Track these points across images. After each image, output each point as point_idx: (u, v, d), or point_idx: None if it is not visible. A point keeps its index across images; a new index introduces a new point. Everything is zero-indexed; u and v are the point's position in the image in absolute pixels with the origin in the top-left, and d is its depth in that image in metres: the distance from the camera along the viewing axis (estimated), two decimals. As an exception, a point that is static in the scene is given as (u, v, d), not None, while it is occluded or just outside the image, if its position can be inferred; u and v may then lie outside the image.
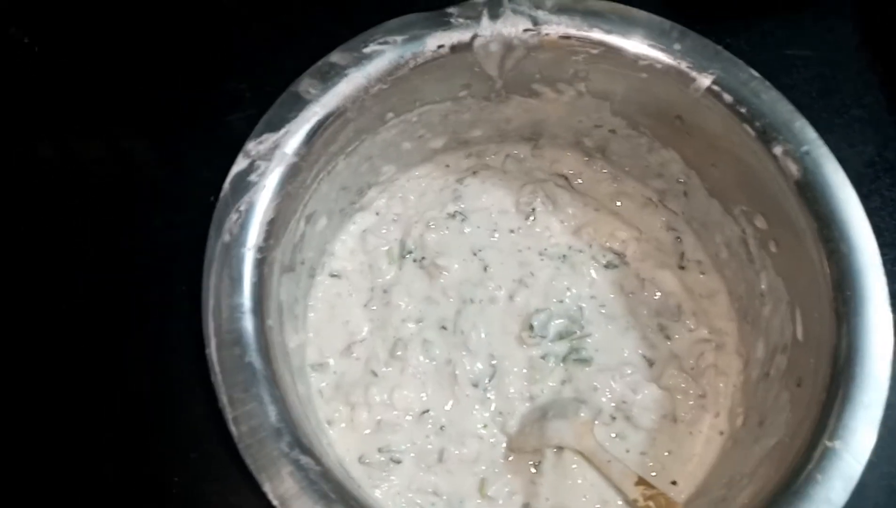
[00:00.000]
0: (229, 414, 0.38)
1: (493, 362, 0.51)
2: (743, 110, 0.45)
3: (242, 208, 0.42)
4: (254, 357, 0.40)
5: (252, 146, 0.44)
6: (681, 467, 0.48)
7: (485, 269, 0.54)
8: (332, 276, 0.53)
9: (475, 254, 0.54)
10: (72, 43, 0.59)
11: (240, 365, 0.39)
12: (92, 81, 0.58)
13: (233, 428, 0.38)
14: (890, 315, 0.40)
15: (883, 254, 0.51)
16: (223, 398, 0.39)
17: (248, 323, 0.40)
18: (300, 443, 0.38)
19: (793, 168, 0.43)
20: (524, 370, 0.51)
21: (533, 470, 0.48)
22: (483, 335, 0.51)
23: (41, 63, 0.58)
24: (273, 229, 0.43)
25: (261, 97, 0.47)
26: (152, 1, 0.61)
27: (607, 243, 0.54)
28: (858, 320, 0.40)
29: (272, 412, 0.39)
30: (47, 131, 0.58)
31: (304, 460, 0.38)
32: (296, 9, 0.61)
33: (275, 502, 0.36)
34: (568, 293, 0.53)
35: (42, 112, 0.58)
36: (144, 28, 0.60)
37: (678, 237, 0.55)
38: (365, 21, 0.48)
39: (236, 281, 0.41)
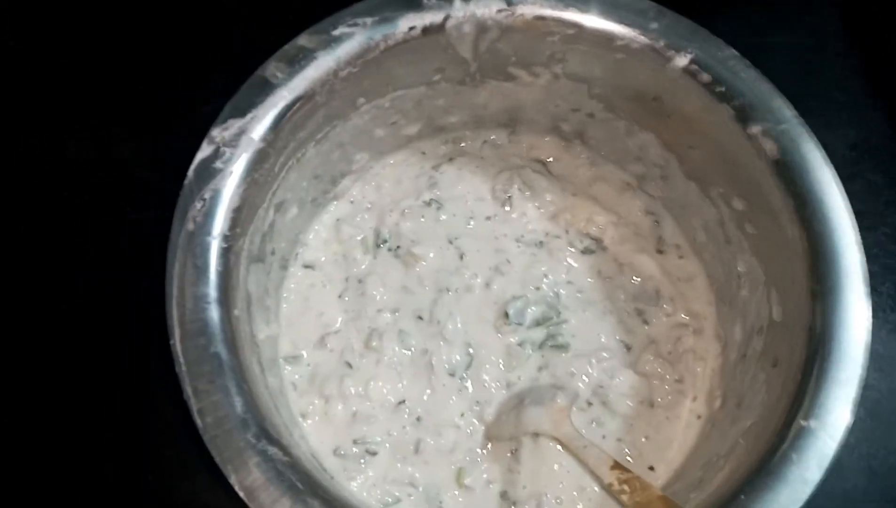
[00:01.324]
0: (194, 406, 0.37)
1: (470, 350, 0.50)
2: (721, 89, 0.44)
3: (207, 195, 0.41)
4: (219, 348, 0.39)
5: (217, 132, 0.43)
6: (658, 452, 0.47)
7: (461, 257, 0.53)
8: (306, 267, 0.52)
9: (451, 242, 0.53)
10: (56, 44, 0.59)
11: (205, 356, 0.38)
12: (76, 78, 0.57)
13: (198, 420, 0.37)
14: (866, 293, 0.40)
15: (864, 237, 0.51)
16: (188, 390, 0.38)
17: (214, 313, 0.39)
18: (267, 434, 0.37)
19: (770, 147, 0.43)
20: (501, 358, 0.50)
21: (510, 458, 0.48)
22: (459, 324, 0.50)
23: (25, 61, 0.57)
24: (239, 217, 0.42)
25: (236, 88, 0.47)
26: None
27: (584, 229, 0.53)
28: (834, 298, 0.40)
29: (238, 403, 0.38)
30: (35, 129, 0.57)
31: (272, 450, 0.37)
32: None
33: (241, 493, 0.36)
34: (545, 280, 0.52)
35: (29, 110, 0.57)
36: (123, 23, 0.59)
37: (656, 221, 0.54)
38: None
39: (201, 270, 0.40)
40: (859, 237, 0.41)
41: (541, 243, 0.53)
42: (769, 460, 0.37)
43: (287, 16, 0.58)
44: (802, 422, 0.38)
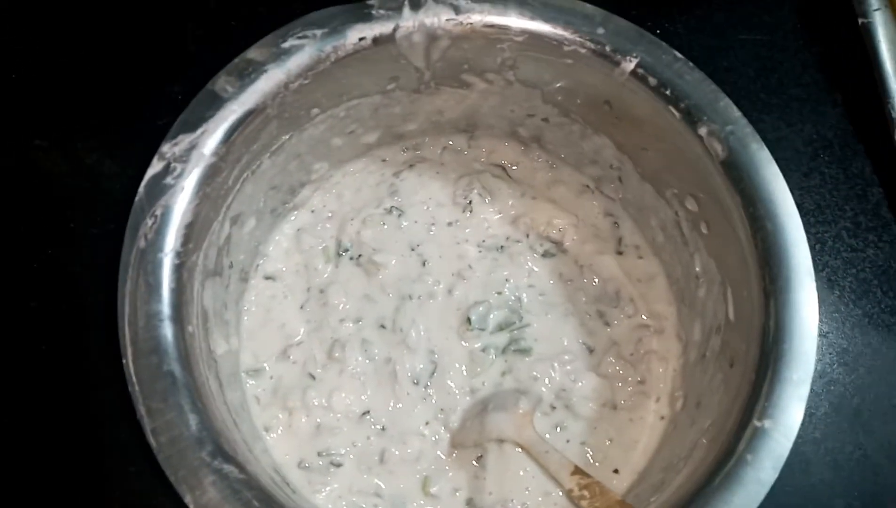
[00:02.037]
0: (148, 425, 0.37)
1: (434, 358, 0.50)
2: (667, 92, 0.45)
3: (158, 212, 0.41)
4: (173, 366, 0.39)
5: (167, 148, 0.43)
6: (623, 454, 0.48)
7: (423, 264, 0.53)
8: (267, 278, 0.52)
9: (413, 249, 0.53)
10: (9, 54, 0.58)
11: (158, 374, 0.38)
12: (31, 90, 0.56)
13: (151, 440, 0.37)
14: (814, 290, 0.40)
15: (824, 232, 0.51)
16: (141, 409, 0.38)
17: (167, 331, 0.39)
18: (223, 451, 0.37)
19: (718, 148, 0.43)
20: (464, 364, 0.50)
21: (476, 465, 0.48)
22: (422, 332, 0.51)
23: None
24: (192, 232, 0.42)
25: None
26: (88, 8, 0.59)
27: (545, 232, 0.54)
28: (785, 297, 0.40)
29: (193, 421, 0.38)
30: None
31: (227, 468, 0.37)
32: (232, 8, 0.60)
33: (196, 513, 0.35)
34: (507, 284, 0.52)
35: None
36: (74, 28, 0.58)
37: (615, 223, 0.54)
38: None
39: (153, 288, 0.40)
40: (804, 236, 0.42)
41: (502, 247, 0.54)
42: (725, 462, 0.38)
43: (246, 26, 0.59)
44: (757, 423, 0.38)
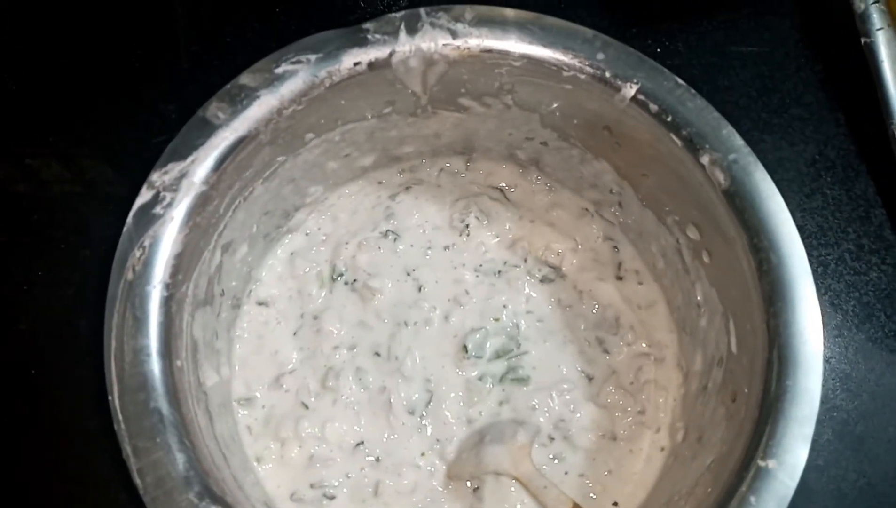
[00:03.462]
0: (134, 465, 0.36)
1: (430, 387, 0.49)
2: (669, 119, 0.44)
3: (146, 243, 0.40)
4: (160, 403, 0.38)
5: (157, 177, 0.42)
6: (622, 486, 0.47)
7: (419, 289, 0.52)
8: (259, 304, 0.51)
9: (409, 274, 0.52)
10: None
11: (145, 412, 0.37)
12: (28, 98, 0.55)
13: (137, 480, 0.36)
14: (820, 327, 0.40)
15: (826, 254, 0.51)
16: (127, 448, 0.37)
17: (155, 366, 0.38)
18: (210, 492, 0.36)
19: (720, 177, 0.42)
20: (461, 393, 0.49)
21: (473, 497, 0.47)
22: (418, 360, 0.50)
23: None
24: (181, 263, 0.41)
25: (187, 120, 0.45)
26: (86, 24, 0.58)
27: (543, 257, 0.53)
28: (790, 332, 0.39)
29: (180, 461, 0.37)
30: None
31: (215, 510, 0.36)
32: (227, 27, 0.59)
33: (182, 558, 0.34)
34: (504, 310, 0.51)
35: None
36: (76, 47, 0.57)
37: (615, 247, 0.54)
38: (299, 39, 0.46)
39: (141, 321, 0.39)
40: (809, 269, 0.41)
41: (499, 272, 0.53)
42: (728, 502, 0.37)
43: (220, 35, 0.58)
44: (761, 462, 0.37)
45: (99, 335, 0.46)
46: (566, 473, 0.47)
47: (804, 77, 0.60)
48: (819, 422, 0.47)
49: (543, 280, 0.53)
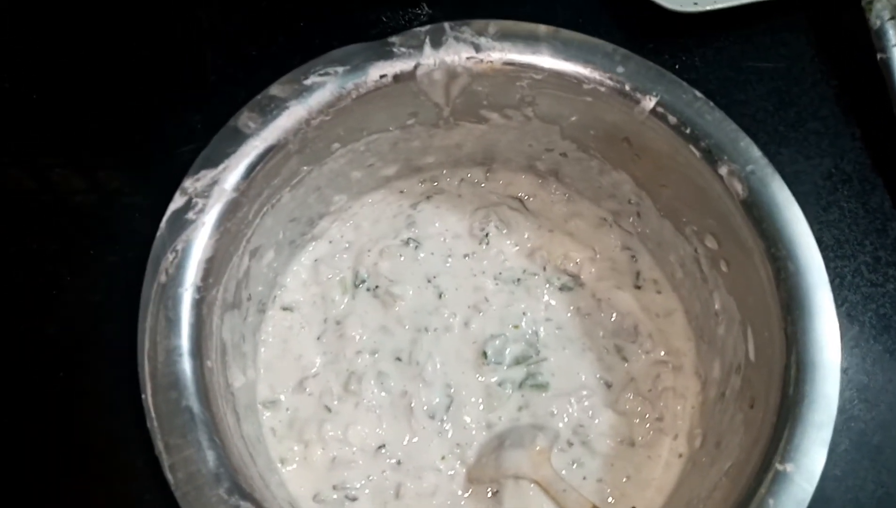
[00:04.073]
0: (166, 462, 0.37)
1: (450, 391, 0.50)
2: (688, 131, 0.45)
3: (179, 247, 0.42)
4: (191, 401, 0.39)
5: (189, 183, 0.43)
6: (640, 492, 0.47)
7: (439, 296, 0.53)
8: (284, 309, 0.52)
9: (429, 281, 0.53)
10: (35, 75, 0.58)
11: (176, 410, 0.38)
12: (52, 110, 0.57)
13: (169, 476, 0.37)
14: (837, 334, 0.40)
15: (843, 266, 0.51)
16: (159, 445, 0.38)
17: (186, 366, 0.40)
18: (240, 488, 0.37)
19: (738, 187, 0.43)
20: (481, 399, 0.50)
21: (492, 500, 0.47)
22: (439, 365, 0.50)
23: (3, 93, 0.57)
24: (212, 267, 0.42)
25: (212, 129, 0.47)
26: (111, 35, 0.60)
27: (562, 265, 0.54)
28: (807, 339, 0.40)
29: (210, 458, 0.38)
30: (7, 159, 0.56)
31: (244, 505, 0.37)
32: (252, 41, 0.60)
33: (213, 552, 0.35)
34: (523, 318, 0.52)
35: (4, 141, 0.56)
36: (100, 58, 0.59)
37: (633, 256, 0.54)
38: (322, 53, 0.47)
39: (173, 323, 0.40)
40: (826, 277, 0.41)
41: (518, 280, 0.54)
42: (746, 506, 0.37)
43: (243, 47, 0.59)
44: (779, 466, 0.37)
45: (126, 338, 0.48)
46: (584, 478, 0.48)
47: (820, 92, 0.61)
48: (836, 432, 0.47)
49: (562, 288, 0.53)
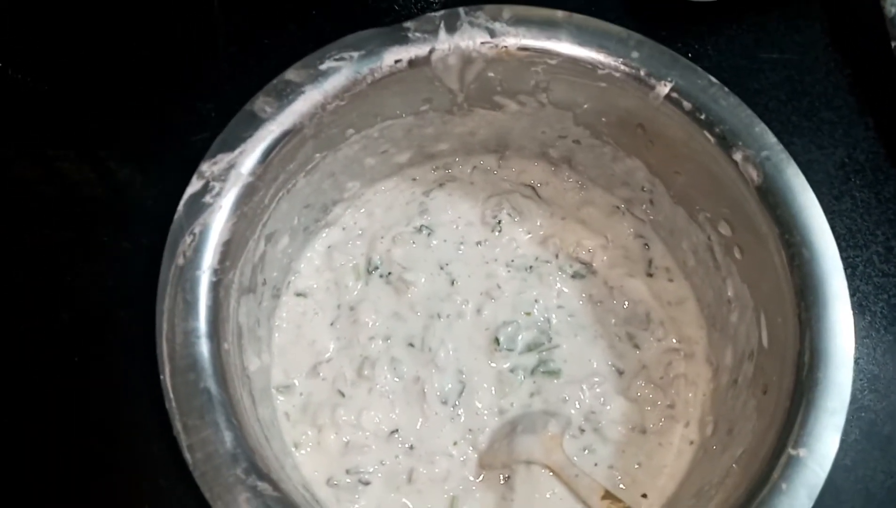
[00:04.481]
0: (184, 441, 0.38)
1: (462, 377, 0.50)
2: (702, 117, 0.45)
3: (197, 230, 0.42)
4: (209, 383, 0.39)
5: (206, 167, 0.43)
6: (651, 479, 0.47)
7: (452, 283, 0.53)
8: (298, 295, 0.53)
9: (442, 268, 0.54)
10: (48, 65, 0.58)
11: (195, 391, 0.39)
12: (67, 100, 0.57)
13: (187, 456, 0.37)
14: (851, 320, 0.40)
15: (855, 256, 0.51)
16: (178, 425, 0.38)
17: (204, 348, 0.40)
18: (257, 469, 0.38)
19: (753, 173, 0.43)
20: (493, 385, 0.50)
21: (504, 486, 0.48)
22: (451, 352, 0.51)
23: (15, 85, 0.57)
24: (229, 250, 0.42)
25: (226, 117, 0.47)
26: (124, 24, 0.60)
27: (574, 253, 0.54)
28: (821, 325, 0.40)
29: (228, 438, 0.38)
30: (22, 148, 0.57)
31: (261, 486, 0.37)
32: (264, 29, 0.60)
33: (230, 530, 0.36)
34: (535, 305, 0.52)
35: (18, 131, 0.57)
36: (112, 48, 0.59)
37: (646, 244, 0.54)
38: (334, 41, 0.47)
39: (191, 305, 0.40)
40: (841, 264, 0.41)
41: (531, 267, 0.54)
42: (759, 490, 0.37)
43: (256, 36, 0.60)
44: (792, 451, 0.38)
45: (140, 323, 0.48)
46: (596, 464, 0.48)
47: (834, 81, 0.60)
48: (847, 422, 0.47)
49: (574, 276, 0.54)
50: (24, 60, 0.58)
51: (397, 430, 0.49)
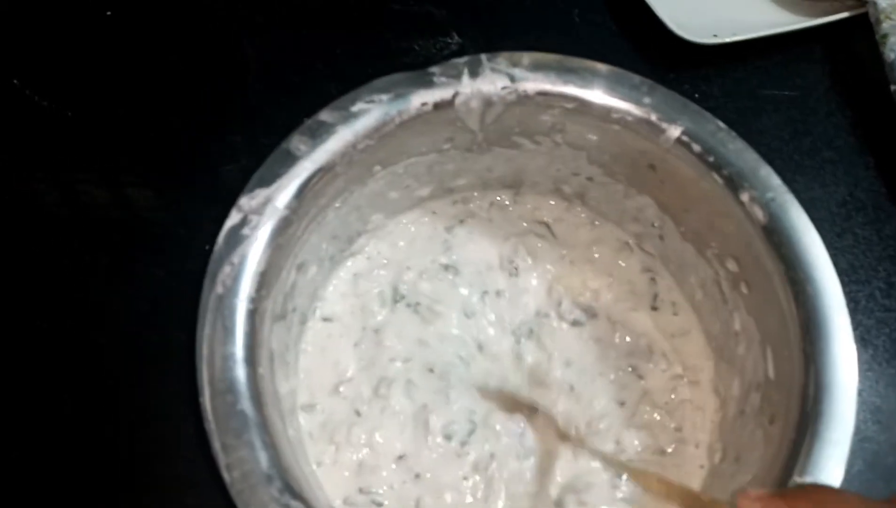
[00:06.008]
0: (222, 461, 0.40)
1: (474, 417, 0.52)
2: (711, 159, 0.47)
3: (235, 260, 0.44)
4: (245, 405, 0.41)
5: (245, 201, 0.46)
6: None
7: (475, 332, 0.55)
8: (325, 320, 0.55)
9: (468, 317, 0.55)
10: (73, 92, 0.60)
11: (232, 412, 0.41)
12: (94, 127, 0.59)
13: (225, 475, 0.39)
14: (854, 354, 0.42)
15: (858, 291, 0.53)
16: (216, 445, 0.40)
17: (241, 372, 0.42)
18: (290, 488, 0.40)
19: (759, 214, 0.46)
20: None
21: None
22: (464, 391, 0.52)
23: (43, 113, 0.60)
24: (265, 279, 0.45)
25: (254, 150, 0.50)
26: (153, 56, 0.63)
27: (578, 298, 0.55)
28: (825, 359, 0.42)
29: (263, 458, 0.40)
30: (50, 176, 0.58)
31: (295, 504, 0.39)
32: (292, 67, 0.63)
33: (266, 547, 0.37)
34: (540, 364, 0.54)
35: (45, 158, 0.58)
36: (146, 80, 0.61)
37: (653, 278, 0.56)
38: (357, 79, 0.50)
39: (229, 331, 0.43)
40: (844, 300, 0.43)
41: (531, 329, 0.55)
42: (766, 517, 0.39)
43: (283, 73, 0.62)
44: (798, 479, 0.39)
45: (172, 347, 0.50)
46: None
47: (835, 122, 0.63)
48: (851, 453, 0.49)
49: (574, 324, 0.55)
50: (50, 87, 0.60)
51: (404, 455, 0.50)
